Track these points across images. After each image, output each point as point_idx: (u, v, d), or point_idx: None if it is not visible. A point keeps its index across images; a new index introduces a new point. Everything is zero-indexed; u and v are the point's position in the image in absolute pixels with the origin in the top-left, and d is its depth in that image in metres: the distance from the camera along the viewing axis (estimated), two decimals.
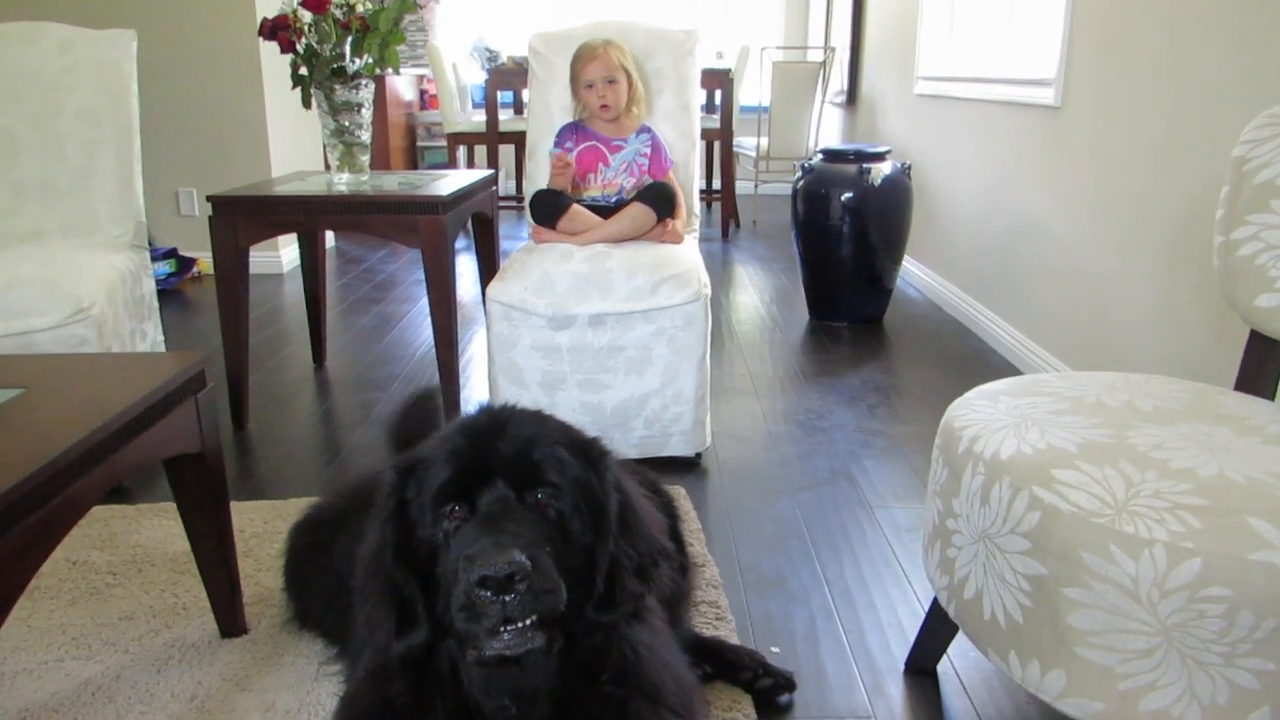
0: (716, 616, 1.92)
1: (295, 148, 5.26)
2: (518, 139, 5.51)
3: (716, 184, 6.82)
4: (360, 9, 2.84)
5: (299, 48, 2.88)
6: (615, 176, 2.86)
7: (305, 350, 3.68)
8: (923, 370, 3.56)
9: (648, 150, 2.88)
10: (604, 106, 2.83)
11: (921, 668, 1.80)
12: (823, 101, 6.23)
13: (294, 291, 4.63)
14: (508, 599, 1.02)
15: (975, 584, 1.43)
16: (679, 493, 2.43)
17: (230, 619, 1.84)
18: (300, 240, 3.52)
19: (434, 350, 2.95)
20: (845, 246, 4.04)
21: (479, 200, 3.20)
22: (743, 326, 4.14)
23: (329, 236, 5.79)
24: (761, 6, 8.00)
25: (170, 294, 4.64)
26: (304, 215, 2.87)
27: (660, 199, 2.81)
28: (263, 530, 2.26)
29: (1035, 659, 1.32)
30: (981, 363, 3.61)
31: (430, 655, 1.16)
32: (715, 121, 6.06)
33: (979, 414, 1.53)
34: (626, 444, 2.63)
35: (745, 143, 6.58)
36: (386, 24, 2.87)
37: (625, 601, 1.17)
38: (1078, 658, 1.26)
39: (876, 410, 3.13)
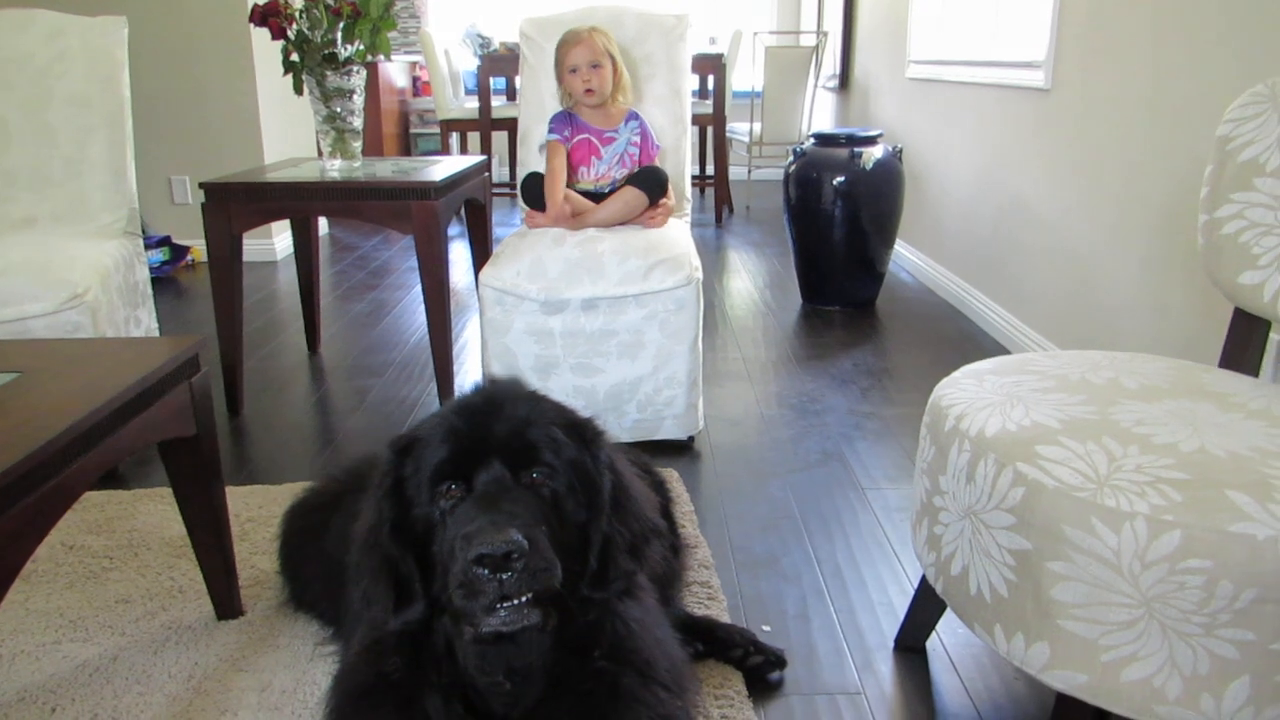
0: (708, 596, 1.93)
1: (288, 134, 5.26)
2: (511, 125, 5.50)
3: (710, 170, 6.82)
4: None
5: (290, 34, 2.88)
6: (608, 170, 2.86)
7: (299, 337, 3.70)
8: (914, 353, 3.58)
9: (637, 139, 2.89)
10: (588, 91, 2.83)
11: (911, 645, 1.82)
12: (815, 86, 6.23)
13: (288, 279, 4.64)
14: (504, 577, 1.04)
15: (961, 560, 1.45)
16: (672, 475, 2.45)
17: (226, 601, 1.86)
18: (293, 227, 3.53)
19: (428, 336, 2.97)
20: (837, 230, 4.05)
21: (471, 186, 3.21)
22: (736, 311, 4.15)
23: (322, 224, 5.79)
24: None
25: (165, 282, 4.64)
26: (296, 201, 2.87)
27: (652, 183, 2.82)
28: (258, 514, 2.27)
29: (1020, 632, 1.34)
30: (972, 345, 3.63)
31: (426, 631, 1.18)
32: (708, 107, 6.05)
33: (965, 393, 1.55)
34: (619, 428, 2.65)
35: (738, 128, 6.58)
36: (378, 9, 2.87)
37: (618, 578, 1.19)
38: (1061, 630, 1.28)
39: (868, 393, 3.14)
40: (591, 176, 2.86)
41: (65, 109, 2.85)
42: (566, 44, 2.85)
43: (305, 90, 2.96)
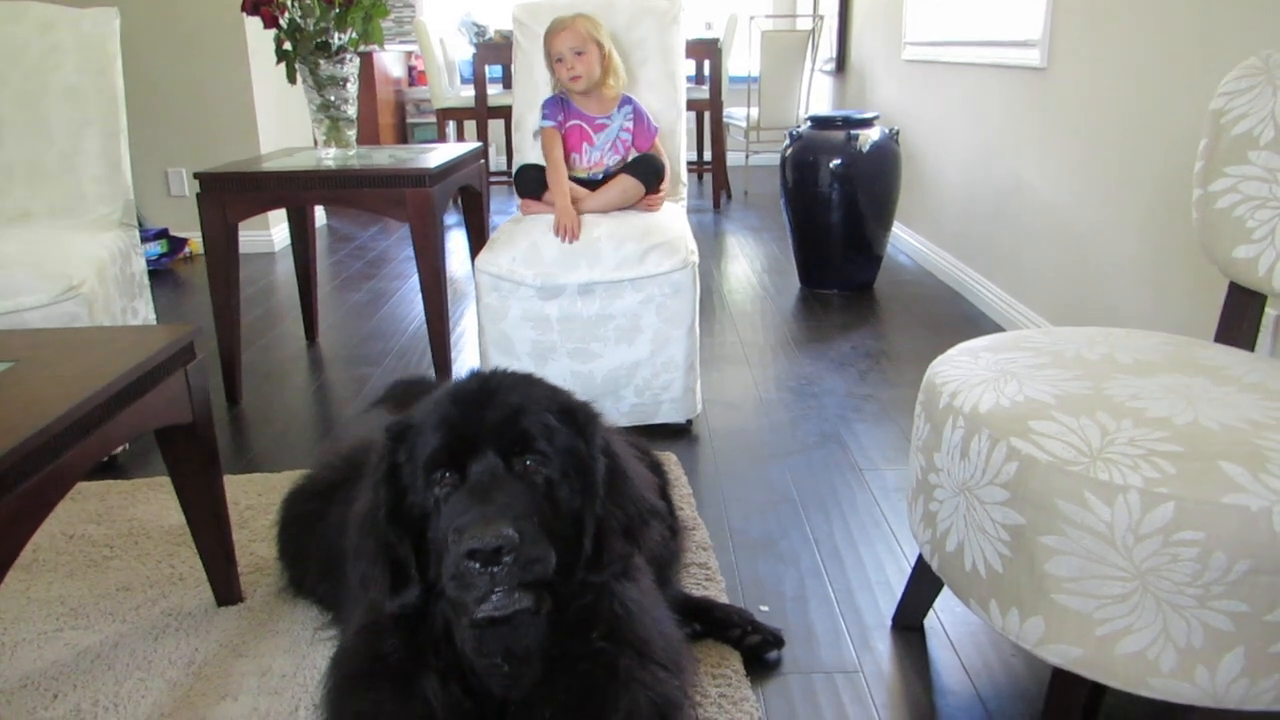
0: (706, 577, 1.94)
1: (283, 124, 5.25)
2: (507, 113, 5.44)
3: (707, 155, 6.81)
4: None
5: (282, 22, 2.87)
6: (601, 156, 2.85)
7: (297, 327, 3.70)
8: (912, 335, 3.58)
9: (630, 124, 2.87)
10: (574, 78, 2.81)
11: (908, 623, 1.82)
12: (812, 70, 6.21)
13: (285, 270, 4.64)
14: (495, 570, 1.05)
15: (957, 536, 1.45)
16: (670, 459, 2.46)
17: (226, 588, 1.87)
18: (290, 218, 3.53)
19: (426, 324, 2.97)
20: (835, 214, 4.05)
21: (467, 173, 3.20)
22: (734, 296, 4.15)
23: (319, 215, 5.79)
24: None
25: (162, 274, 4.64)
26: (292, 190, 2.87)
27: (649, 172, 2.81)
28: (257, 502, 2.28)
29: (1015, 607, 1.34)
30: (970, 326, 3.63)
31: (423, 614, 1.19)
32: (705, 92, 6.04)
33: (960, 370, 1.55)
34: (617, 412, 2.65)
35: (735, 113, 6.57)
36: None
37: (613, 561, 1.19)
38: (1055, 604, 1.29)
39: (867, 375, 3.14)
40: (585, 163, 2.85)
41: (59, 102, 2.84)
42: (552, 32, 2.84)
43: (299, 79, 2.96)
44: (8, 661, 1.71)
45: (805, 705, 1.61)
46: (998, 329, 3.57)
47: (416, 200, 2.77)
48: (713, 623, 1.73)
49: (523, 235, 2.61)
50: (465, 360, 3.34)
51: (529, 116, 3.08)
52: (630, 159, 2.87)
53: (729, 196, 6.49)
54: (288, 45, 2.91)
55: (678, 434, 2.69)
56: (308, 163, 2.98)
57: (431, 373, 3.06)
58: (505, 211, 6.11)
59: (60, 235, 2.59)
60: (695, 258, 2.60)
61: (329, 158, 3.00)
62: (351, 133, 3.05)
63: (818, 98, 6.86)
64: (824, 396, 2.97)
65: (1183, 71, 2.49)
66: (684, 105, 3.16)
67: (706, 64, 6.01)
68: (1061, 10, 3.19)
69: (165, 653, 1.72)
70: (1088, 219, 3.02)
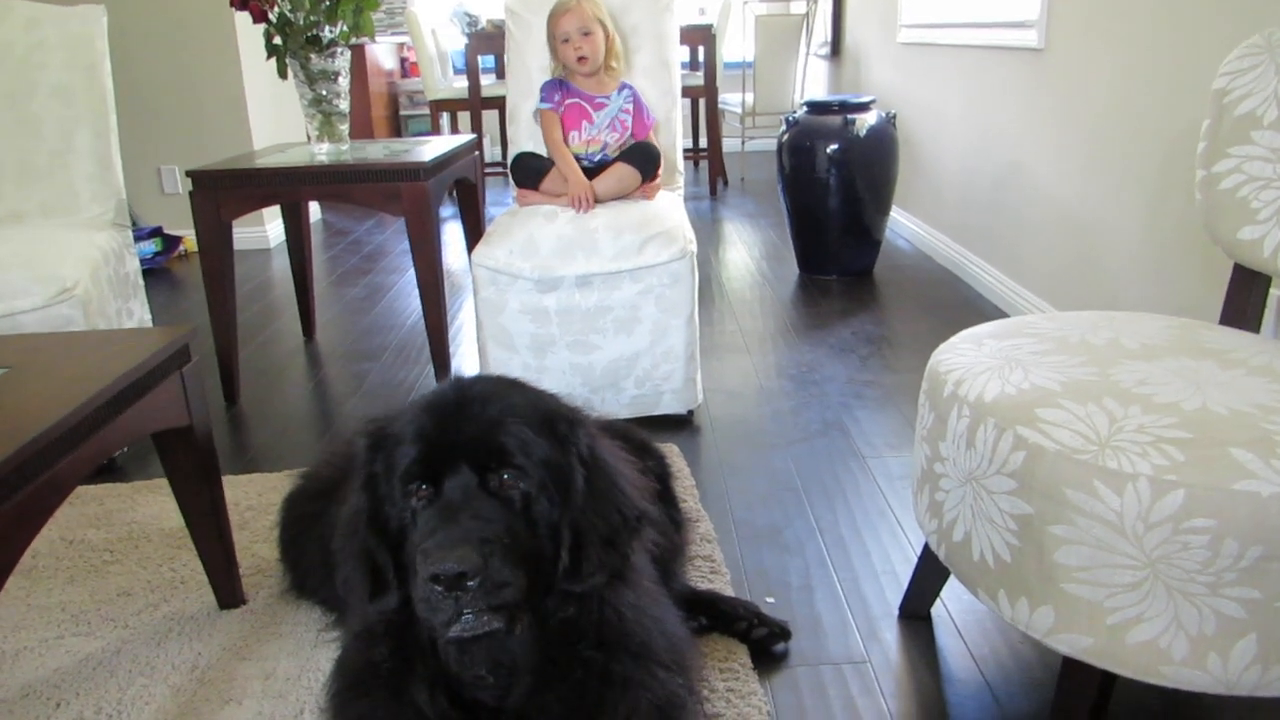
0: (711, 570, 1.93)
1: (276, 119, 5.22)
2: (501, 104, 5.41)
3: (703, 142, 6.77)
4: None
5: (271, 17, 2.84)
6: (599, 133, 2.84)
7: (295, 324, 3.68)
8: (913, 320, 3.56)
9: (629, 107, 2.86)
10: (581, 59, 2.80)
11: (915, 612, 1.81)
12: (807, 54, 6.17)
13: (281, 266, 4.61)
14: (459, 594, 1.04)
15: (964, 526, 1.44)
16: (672, 450, 2.44)
17: (228, 591, 1.85)
18: (284, 213, 3.50)
19: (424, 319, 2.95)
20: (832, 199, 4.03)
21: (462, 166, 3.18)
22: (733, 284, 4.13)
23: (314, 210, 5.76)
24: None
25: (157, 273, 4.61)
26: (285, 186, 2.85)
27: (645, 160, 2.79)
28: (257, 503, 2.27)
29: (1024, 597, 1.33)
30: (971, 310, 3.61)
31: (409, 622, 1.17)
32: (699, 79, 6.00)
33: (964, 357, 1.53)
34: (618, 404, 2.64)
35: (730, 99, 6.53)
36: None
37: (593, 572, 1.17)
38: (1065, 594, 1.27)
39: (868, 361, 3.13)
40: (582, 139, 2.83)
41: (49, 100, 2.81)
42: (556, 14, 2.82)
43: (290, 74, 2.93)
44: (9, 670, 1.70)
45: (814, 697, 1.60)
46: (998, 312, 3.55)
47: (412, 194, 2.75)
48: (719, 616, 1.72)
49: (519, 228, 2.59)
50: (464, 354, 3.32)
51: (523, 107, 3.06)
52: (627, 147, 2.85)
53: (725, 183, 6.47)
54: (278, 40, 2.88)
55: (679, 425, 2.68)
56: (301, 158, 2.96)
57: (431, 370, 3.04)
58: (501, 203, 6.08)
59: (53, 236, 2.57)
60: (693, 247, 2.58)
61: (322, 153, 2.98)
62: (344, 127, 3.03)
63: (813, 82, 6.82)
64: (825, 383, 2.95)
65: (1183, 50, 2.47)
66: (679, 92, 3.14)
67: (701, 50, 5.98)
68: None
69: (168, 658, 1.71)
70: (1088, 201, 3.00)
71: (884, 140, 4.05)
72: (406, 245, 4.84)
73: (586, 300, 2.55)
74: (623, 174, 2.76)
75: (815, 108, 4.12)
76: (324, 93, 2.93)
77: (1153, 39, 2.61)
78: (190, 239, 4.87)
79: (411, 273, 4.31)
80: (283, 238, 3.73)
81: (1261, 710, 1.52)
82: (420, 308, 2.97)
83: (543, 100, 2.85)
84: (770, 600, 1.86)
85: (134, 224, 3.72)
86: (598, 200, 2.71)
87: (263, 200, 2.90)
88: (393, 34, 7.52)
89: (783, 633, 1.72)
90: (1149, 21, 2.62)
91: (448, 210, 5.57)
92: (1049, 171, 3.27)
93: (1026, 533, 1.30)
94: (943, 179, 4.37)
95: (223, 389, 2.96)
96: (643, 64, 3.07)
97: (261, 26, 2.88)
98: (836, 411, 2.74)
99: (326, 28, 2.87)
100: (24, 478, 1.27)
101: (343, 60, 2.93)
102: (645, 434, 1.79)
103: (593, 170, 2.79)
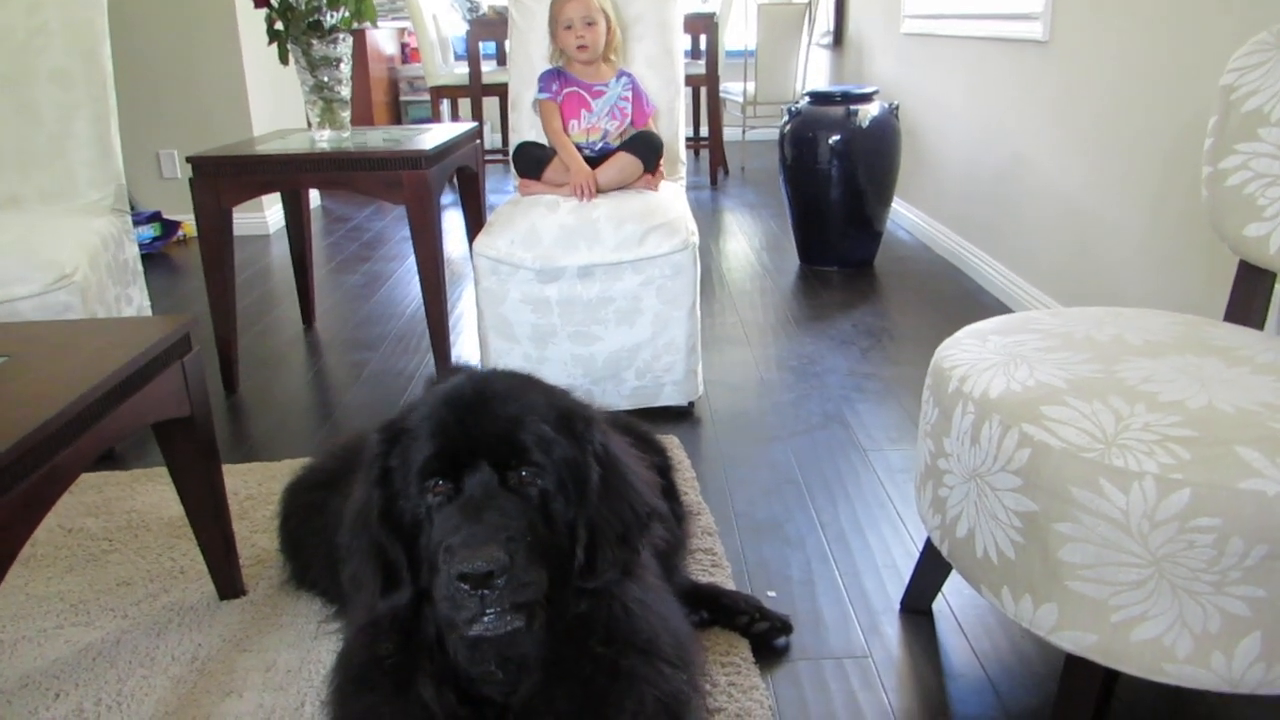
0: (712, 563, 1.93)
1: (277, 105, 5.19)
2: (502, 90, 5.42)
3: (704, 131, 6.75)
4: None
5: (274, 2, 2.82)
6: (598, 121, 2.83)
7: (294, 311, 3.66)
8: (914, 312, 3.55)
9: (628, 94, 2.85)
10: (581, 47, 2.80)
11: (917, 607, 1.81)
12: (809, 44, 6.15)
13: (281, 253, 4.59)
14: (486, 593, 1.04)
15: (967, 523, 1.43)
16: (672, 442, 2.44)
17: (228, 581, 1.85)
18: (284, 200, 3.49)
19: (424, 308, 2.94)
20: (834, 190, 4.01)
21: (463, 154, 3.17)
22: (733, 274, 4.12)
23: (314, 195, 5.73)
24: None
25: (156, 258, 4.60)
26: (286, 174, 2.84)
27: (647, 149, 2.78)
28: (257, 492, 2.26)
29: (1028, 594, 1.33)
30: (973, 302, 3.60)
31: (416, 617, 1.17)
32: (701, 67, 5.97)
33: (968, 353, 1.53)
34: (619, 395, 2.63)
35: (732, 88, 6.50)
36: None
37: (608, 569, 1.17)
38: (1070, 592, 1.27)
39: (868, 353, 3.12)
40: (582, 128, 2.83)
41: (48, 85, 2.79)
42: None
43: (291, 60, 2.91)
44: (8, 660, 1.69)
45: (815, 691, 1.60)
46: (999, 305, 3.55)
47: (413, 183, 2.73)
48: (720, 610, 1.72)
49: (521, 217, 2.58)
50: (465, 343, 3.31)
51: (525, 95, 3.04)
52: (628, 136, 2.84)
53: (726, 172, 6.45)
54: (279, 25, 2.86)
55: (680, 416, 2.67)
56: (302, 145, 2.94)
57: (431, 360, 3.03)
58: (501, 190, 6.06)
59: (51, 222, 2.55)
60: (695, 238, 2.57)
61: (323, 140, 2.96)
62: (346, 114, 3.01)
63: (815, 72, 6.79)
64: (826, 376, 2.95)
65: (1189, 45, 2.46)
66: (682, 82, 3.13)
67: (703, 39, 5.95)
68: None
69: (168, 649, 1.71)
70: (1091, 194, 2.99)
71: (886, 131, 4.03)
72: (406, 232, 4.84)
73: (588, 291, 2.54)
74: (625, 163, 2.75)
75: (817, 98, 4.10)
76: (325, 79, 2.91)
77: (1158, 33, 2.59)
78: (189, 224, 4.85)
79: (411, 260, 4.30)
80: (282, 224, 3.71)
81: (1265, 708, 1.52)
82: (420, 296, 2.96)
83: (541, 90, 2.84)
84: (771, 594, 1.86)
85: (132, 209, 3.70)
86: (600, 189, 2.69)
87: (263, 187, 2.88)
88: (394, 19, 7.49)
89: (784, 627, 1.72)
90: (1154, 15, 2.61)
91: (448, 198, 5.55)
92: (1052, 165, 3.26)
93: (1031, 530, 1.30)
94: (945, 171, 4.36)
95: (222, 377, 2.95)
96: (646, 53, 3.05)
97: (263, 11, 2.86)
98: (837, 404, 2.74)
99: (328, 13, 2.85)
100: (24, 469, 1.26)
101: (344, 46, 2.91)
102: (647, 427, 1.79)
103: (594, 159, 2.78)
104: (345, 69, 2.95)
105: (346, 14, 2.86)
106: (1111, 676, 1.33)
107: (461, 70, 6.18)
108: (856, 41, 5.99)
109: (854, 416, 2.65)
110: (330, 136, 2.98)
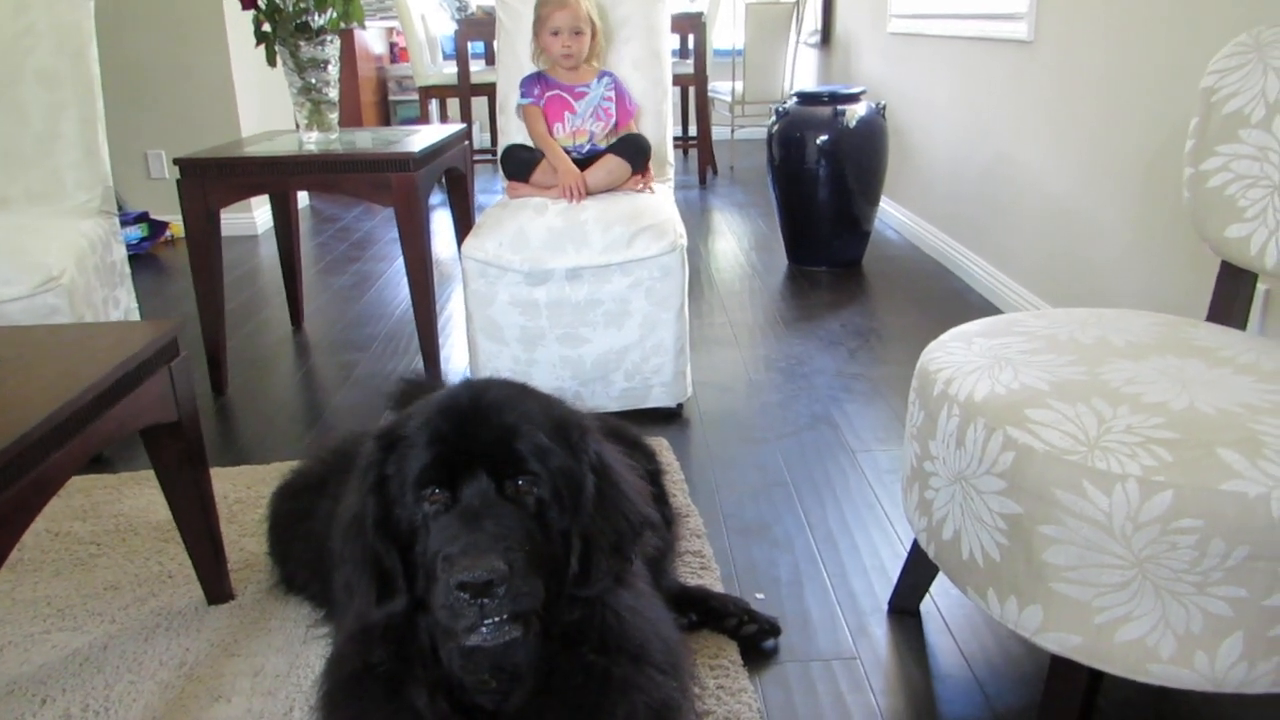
0: (701, 565, 1.93)
1: (265, 106, 5.18)
2: (491, 90, 5.38)
3: (692, 131, 6.76)
4: None
5: (261, 3, 2.82)
6: (583, 123, 2.83)
7: (282, 312, 3.66)
8: (902, 312, 3.57)
9: (611, 94, 2.86)
10: (567, 55, 2.80)
11: (905, 608, 1.82)
12: (797, 43, 6.16)
13: (269, 253, 4.59)
14: (485, 602, 1.04)
15: (953, 525, 1.44)
16: (661, 444, 2.44)
17: (216, 585, 1.85)
18: (272, 201, 3.48)
19: (413, 309, 2.94)
20: (822, 190, 4.02)
21: (452, 156, 3.17)
22: (722, 275, 4.13)
23: (302, 196, 5.72)
24: None
25: (144, 259, 4.59)
26: (273, 176, 2.83)
27: (635, 151, 2.79)
28: (246, 495, 2.26)
29: (1013, 596, 1.34)
30: (960, 302, 3.62)
31: (410, 625, 1.17)
32: (689, 67, 5.98)
33: (953, 356, 1.54)
34: (607, 397, 2.63)
35: (720, 87, 6.51)
36: None
37: (602, 578, 1.18)
38: (1054, 593, 1.28)
39: (857, 354, 3.13)
40: (567, 131, 2.83)
41: (35, 86, 2.78)
42: (551, 4, 2.81)
43: (279, 62, 2.91)
44: None
45: (803, 693, 1.61)
46: (986, 304, 3.56)
47: (401, 185, 2.73)
48: (709, 612, 1.73)
49: (509, 220, 2.58)
50: (453, 346, 3.31)
51: (513, 97, 3.03)
52: (615, 138, 2.84)
53: (715, 172, 6.45)
54: (267, 27, 2.85)
55: (669, 418, 2.68)
56: (290, 147, 2.94)
57: (420, 362, 3.03)
58: (490, 190, 6.06)
59: (38, 223, 2.54)
60: (684, 241, 2.58)
61: (311, 141, 2.96)
62: (334, 115, 3.01)
63: (803, 71, 6.81)
64: (814, 376, 2.96)
65: (1172, 46, 2.47)
66: (670, 85, 3.13)
67: (691, 38, 5.95)
68: None
69: (156, 654, 1.70)
70: (1076, 194, 3.00)
71: (874, 131, 4.04)
72: (394, 233, 4.81)
73: (576, 293, 2.54)
74: (613, 166, 2.75)
75: (805, 98, 4.11)
76: (313, 81, 2.90)
77: (1142, 33, 2.61)
78: (177, 224, 4.84)
79: (399, 261, 4.29)
80: (270, 224, 3.71)
81: (1247, 707, 1.54)
82: (408, 297, 2.96)
83: (523, 96, 2.85)
84: (760, 596, 1.86)
85: (120, 209, 3.69)
86: (589, 191, 2.70)
87: (251, 189, 2.88)
88: (382, 18, 7.47)
89: (772, 629, 1.72)
90: (1138, 16, 2.62)
91: (436, 197, 5.54)
92: (1037, 164, 3.27)
93: (1016, 532, 1.31)
94: (932, 170, 4.37)
95: (210, 379, 2.94)
96: (633, 55, 3.06)
97: (250, 13, 2.85)
98: (825, 405, 2.74)
99: (316, 15, 2.84)
100: (9, 476, 1.26)
101: (332, 48, 2.91)
102: (636, 430, 1.79)
103: (581, 162, 2.78)
104: (333, 71, 2.94)
105: (334, 16, 2.86)
106: (1096, 677, 1.34)
107: (450, 70, 6.16)
108: (844, 41, 6.00)
109: (842, 417, 2.66)
110: (318, 138, 2.97)
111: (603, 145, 2.83)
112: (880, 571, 1.94)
